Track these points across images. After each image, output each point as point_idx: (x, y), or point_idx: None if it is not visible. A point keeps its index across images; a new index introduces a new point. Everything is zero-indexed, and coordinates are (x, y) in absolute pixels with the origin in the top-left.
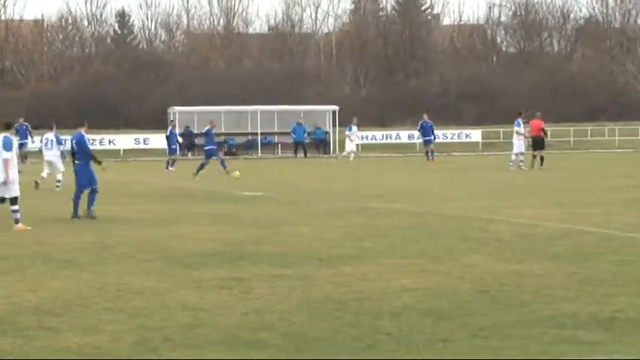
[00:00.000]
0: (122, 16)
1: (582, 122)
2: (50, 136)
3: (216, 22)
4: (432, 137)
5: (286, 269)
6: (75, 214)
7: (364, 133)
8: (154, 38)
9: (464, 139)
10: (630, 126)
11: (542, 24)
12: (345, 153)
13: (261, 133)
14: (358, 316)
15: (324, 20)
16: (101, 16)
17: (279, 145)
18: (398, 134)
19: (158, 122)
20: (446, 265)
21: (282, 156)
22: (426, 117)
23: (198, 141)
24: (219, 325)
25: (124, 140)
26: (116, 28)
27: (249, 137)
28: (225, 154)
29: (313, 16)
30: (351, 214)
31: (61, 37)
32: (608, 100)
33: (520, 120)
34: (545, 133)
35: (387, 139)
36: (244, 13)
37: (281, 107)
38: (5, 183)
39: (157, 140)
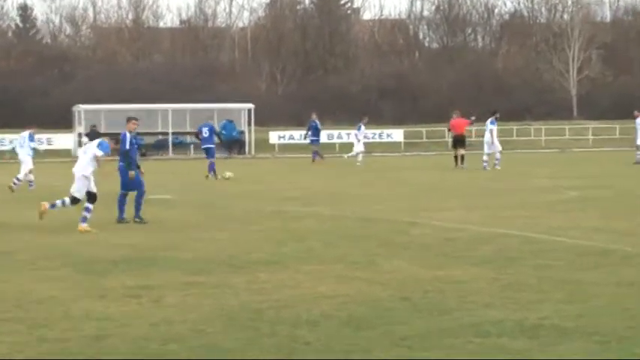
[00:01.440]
0: (24, 10)
1: (507, 121)
2: (25, 134)
3: (124, 16)
4: (318, 138)
5: (198, 276)
6: (120, 217)
7: (281, 133)
8: (58, 32)
9: (385, 139)
10: (556, 125)
11: (466, 19)
12: (352, 154)
13: (173, 133)
14: (275, 325)
15: (238, 14)
16: (2, 9)
17: (192, 146)
18: None
19: (63, 121)
20: (366, 270)
21: (194, 157)
22: (314, 117)
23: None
24: (127, 336)
25: None
26: (18, 21)
27: (160, 137)
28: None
29: (227, 10)
30: (268, 218)
31: None
32: (534, 99)
33: (493, 119)
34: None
35: (305, 138)
36: (154, 6)
37: (193, 105)
38: (87, 179)
39: (62, 140)
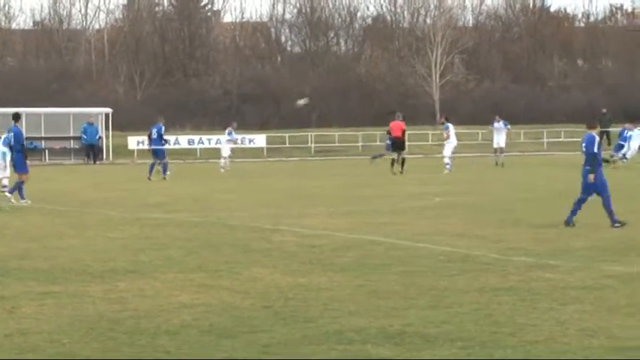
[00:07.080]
0: None
1: (371, 126)
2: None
3: None
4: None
5: (55, 286)
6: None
7: (140, 138)
8: None
9: (247, 145)
10: (420, 130)
11: (329, 22)
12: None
13: (27, 138)
14: (134, 335)
15: (95, 15)
16: None
17: (47, 151)
18: (177, 139)
19: None
20: (227, 279)
21: (50, 162)
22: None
23: None
24: None
25: None
26: None
27: None
28: None
29: (83, 11)
30: (127, 225)
31: None
32: (398, 103)
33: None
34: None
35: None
36: (6, 7)
37: (48, 110)
38: None
39: None
